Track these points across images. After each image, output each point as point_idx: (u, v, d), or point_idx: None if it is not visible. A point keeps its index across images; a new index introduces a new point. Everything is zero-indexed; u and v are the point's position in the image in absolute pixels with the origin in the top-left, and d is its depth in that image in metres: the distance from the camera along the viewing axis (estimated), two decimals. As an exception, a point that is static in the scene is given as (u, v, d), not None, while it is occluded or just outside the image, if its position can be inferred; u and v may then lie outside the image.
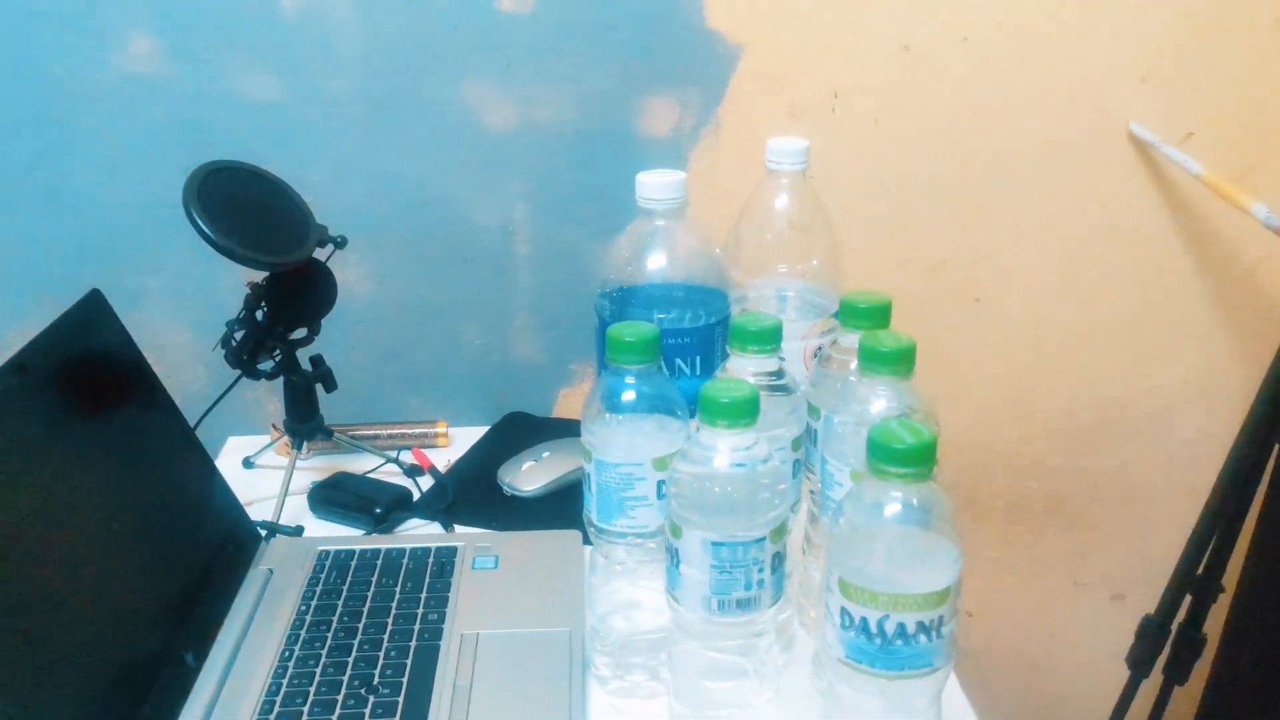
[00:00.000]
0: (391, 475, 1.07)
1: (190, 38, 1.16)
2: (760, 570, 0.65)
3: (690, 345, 0.79)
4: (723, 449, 0.64)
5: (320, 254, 1.00)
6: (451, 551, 0.93)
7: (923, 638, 0.59)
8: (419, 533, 1.01)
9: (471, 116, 1.22)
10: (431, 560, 0.92)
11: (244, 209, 0.91)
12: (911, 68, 1.25)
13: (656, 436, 0.73)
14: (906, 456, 0.58)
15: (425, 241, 1.27)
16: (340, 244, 0.98)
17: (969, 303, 1.35)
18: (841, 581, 0.60)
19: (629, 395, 0.73)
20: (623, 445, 0.73)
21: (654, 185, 0.79)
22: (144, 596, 0.78)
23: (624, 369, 0.73)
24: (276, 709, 0.76)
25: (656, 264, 0.80)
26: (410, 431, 1.14)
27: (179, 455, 0.89)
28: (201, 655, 0.80)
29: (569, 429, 1.16)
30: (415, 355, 1.30)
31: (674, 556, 0.66)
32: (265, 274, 0.96)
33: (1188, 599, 1.25)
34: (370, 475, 1.06)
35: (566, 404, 1.34)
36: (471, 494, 1.05)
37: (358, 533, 1.00)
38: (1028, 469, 1.43)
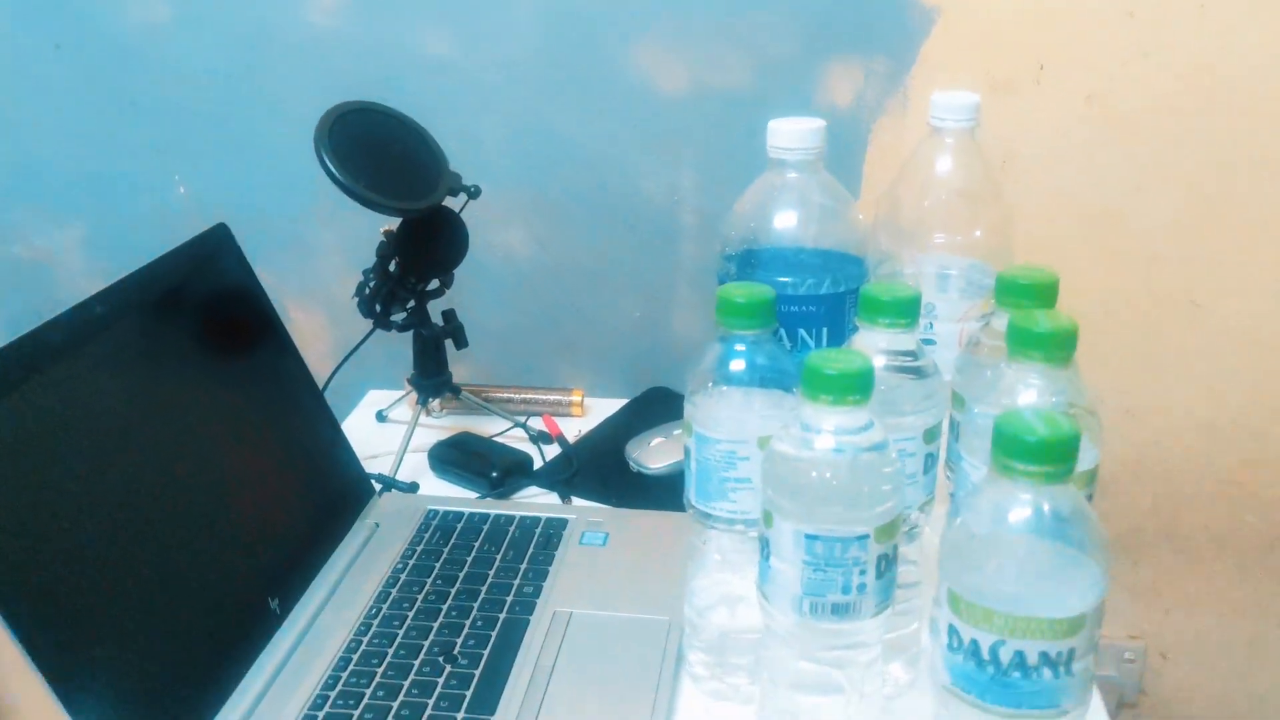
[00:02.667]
0: (518, 441, 1.03)
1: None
2: (862, 573, 0.56)
3: (816, 315, 0.70)
4: (826, 428, 0.56)
5: (455, 204, 0.96)
6: (562, 524, 0.88)
7: (1047, 672, 0.49)
8: (535, 501, 0.96)
9: (644, 80, 1.17)
10: (539, 531, 0.87)
11: (376, 153, 0.88)
12: (1134, 37, 1.10)
13: (767, 413, 0.65)
14: (1039, 451, 0.48)
15: (590, 206, 1.22)
16: (474, 194, 0.94)
17: (1185, 305, 1.19)
18: (951, 595, 0.51)
19: (738, 364, 0.65)
20: (728, 420, 0.65)
21: (787, 133, 0.70)
22: (245, 539, 0.76)
23: (735, 335, 0.65)
24: (351, 667, 0.72)
25: (786, 223, 0.71)
26: (544, 398, 1.10)
27: (297, 400, 0.87)
28: (289, 603, 0.77)
29: (712, 408, 1.09)
30: (569, 321, 1.26)
31: (765, 548, 0.58)
32: (398, 222, 0.93)
33: None
34: (496, 439, 1.02)
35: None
36: (596, 467, 0.99)
37: (473, 495, 0.96)
38: (1245, 500, 1.25)
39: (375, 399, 1.15)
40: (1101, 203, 1.15)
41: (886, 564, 0.57)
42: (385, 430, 1.08)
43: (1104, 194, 1.15)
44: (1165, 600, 1.31)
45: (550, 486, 0.96)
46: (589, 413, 1.11)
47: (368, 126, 0.89)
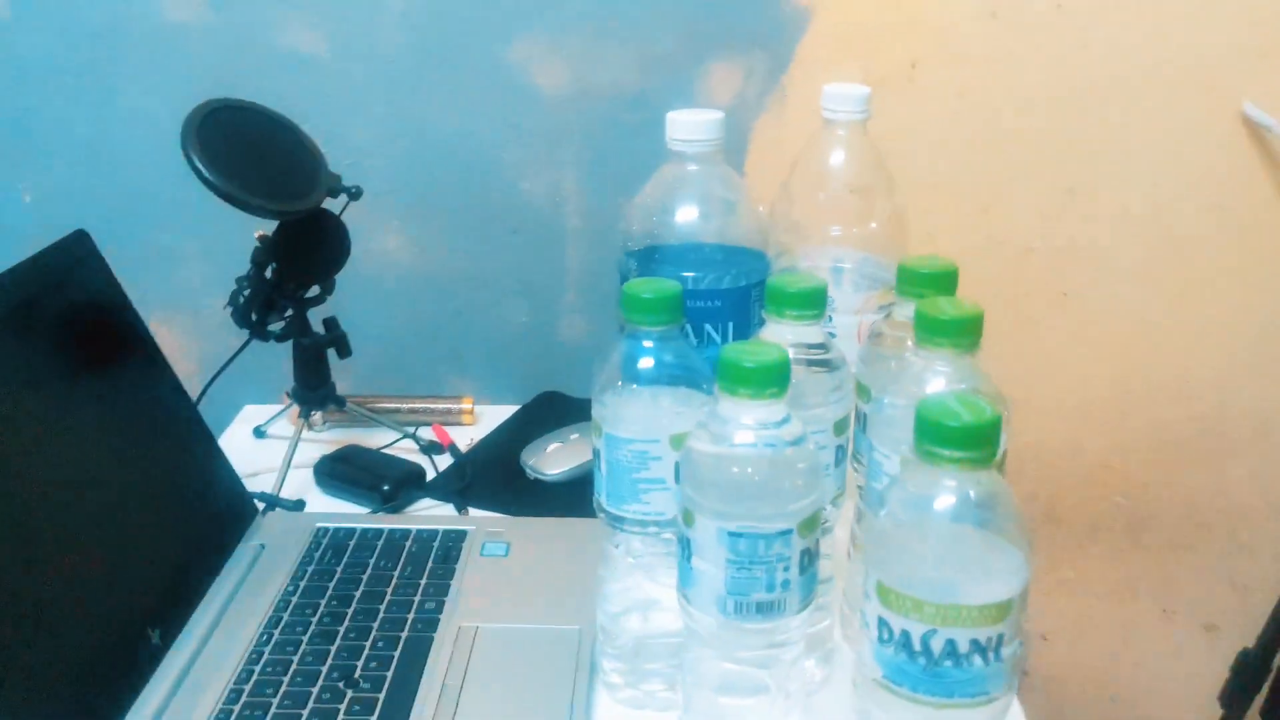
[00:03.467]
0: (408, 452, 0.99)
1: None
2: (786, 569, 0.55)
3: (722, 310, 0.69)
4: (746, 423, 0.54)
5: (334, 206, 0.92)
6: (460, 535, 0.85)
7: (977, 659, 0.49)
8: (430, 514, 0.92)
9: (522, 78, 1.14)
10: (437, 544, 0.83)
11: (248, 152, 0.84)
12: (999, 36, 1.13)
13: (677, 412, 0.64)
14: (962, 437, 0.48)
15: (470, 210, 1.19)
16: (355, 195, 0.90)
17: (1057, 296, 1.23)
18: (880, 586, 0.50)
19: (646, 361, 0.64)
20: (637, 419, 0.64)
21: (686, 124, 0.69)
22: (116, 568, 0.70)
23: (642, 331, 0.63)
24: (243, 699, 0.68)
25: (688, 216, 0.70)
26: (434, 406, 1.06)
27: (170, 417, 0.82)
28: (171, 634, 0.72)
29: (605, 412, 1.07)
30: (453, 328, 1.22)
31: (686, 548, 0.57)
32: (275, 225, 0.89)
33: (1293, 633, 1.11)
34: (384, 450, 0.98)
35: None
36: (491, 476, 0.96)
37: (364, 511, 0.92)
38: (1115, 483, 1.30)
39: (251, 414, 1.10)
40: (975, 197, 1.18)
41: (809, 559, 0.56)
42: (265, 446, 1.03)
43: (976, 189, 1.18)
44: (1045, 584, 1.35)
45: (445, 498, 0.93)
46: (481, 420, 1.08)
47: (238, 124, 0.85)
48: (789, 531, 0.55)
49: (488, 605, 0.77)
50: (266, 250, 0.89)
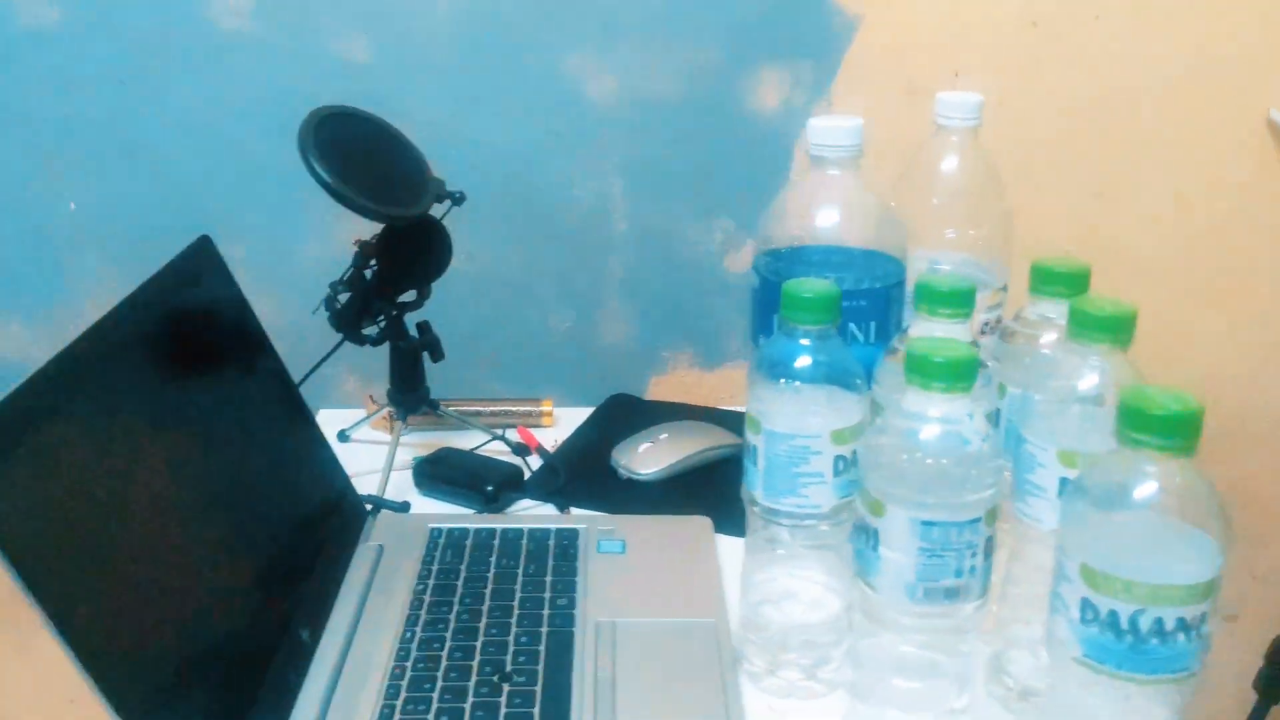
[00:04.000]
0: (497, 453, 1.00)
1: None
2: (973, 555, 0.58)
3: (866, 309, 0.71)
4: (935, 416, 0.57)
5: (436, 211, 0.93)
6: (573, 534, 0.86)
7: (1181, 636, 0.52)
8: (532, 514, 0.93)
9: (572, 86, 1.16)
10: (553, 542, 0.85)
11: (360, 157, 0.85)
12: (1038, 46, 1.17)
13: (832, 407, 0.66)
14: (1169, 425, 0.51)
15: (518, 217, 1.20)
16: (458, 200, 0.91)
17: (1089, 297, 1.27)
18: (1085, 569, 0.53)
19: (805, 360, 0.66)
20: (796, 415, 0.66)
21: (828, 130, 0.71)
22: (253, 568, 0.71)
23: (800, 329, 0.65)
24: (403, 694, 0.69)
25: (828, 220, 0.73)
26: (514, 409, 1.07)
27: (285, 420, 0.83)
28: (317, 632, 0.73)
29: (678, 412, 1.09)
30: (501, 335, 1.23)
31: (871, 538, 0.59)
32: (375, 231, 0.90)
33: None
34: (477, 452, 0.99)
35: (658, 392, 1.27)
36: (584, 476, 0.97)
37: (465, 511, 0.93)
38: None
39: (329, 419, 1.09)
40: (1012, 200, 1.22)
41: (991, 545, 0.59)
42: (349, 450, 1.03)
43: (1014, 191, 1.22)
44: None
45: (544, 498, 0.94)
46: (558, 423, 1.09)
47: (349, 130, 0.86)
48: (978, 520, 0.57)
49: (617, 600, 0.78)
50: (369, 255, 0.90)
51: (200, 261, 0.77)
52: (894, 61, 1.18)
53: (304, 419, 0.84)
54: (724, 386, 1.27)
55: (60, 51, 1.13)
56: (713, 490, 0.94)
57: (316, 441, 0.85)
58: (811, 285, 0.65)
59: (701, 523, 0.87)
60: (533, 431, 1.04)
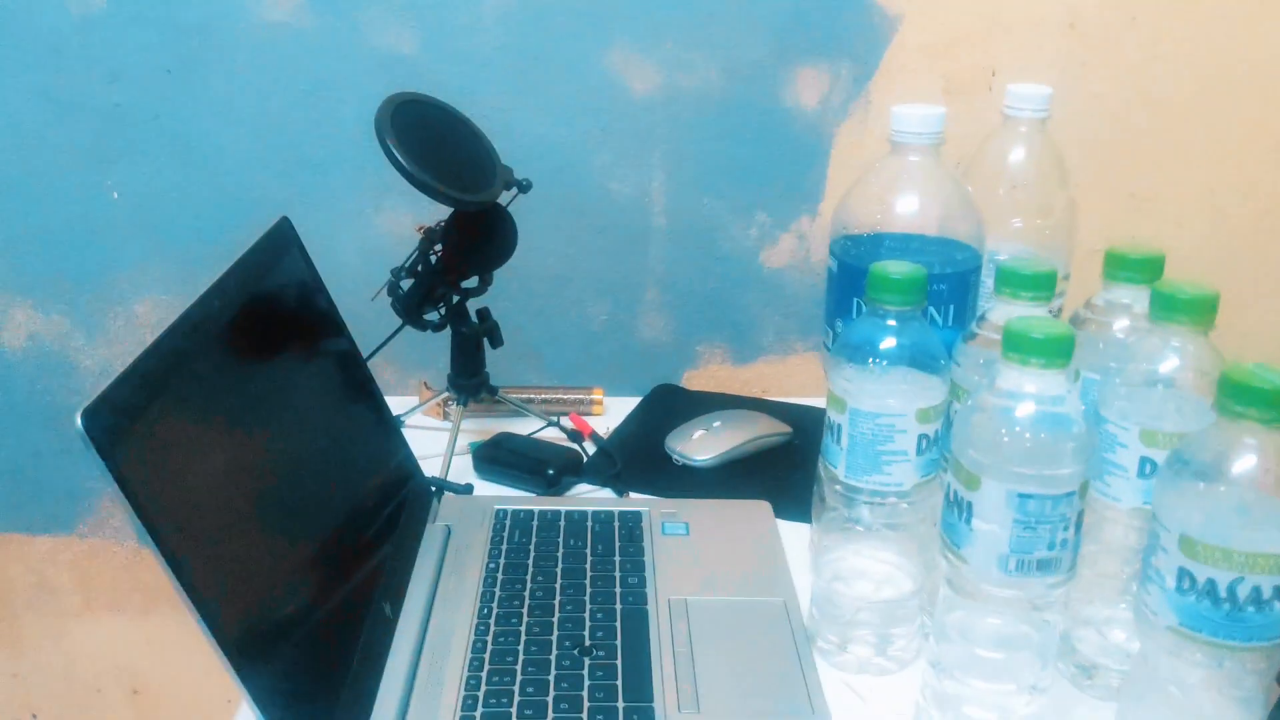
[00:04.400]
0: (554, 439, 1.01)
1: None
2: (1065, 529, 0.59)
3: (945, 293, 0.73)
4: (1032, 391, 0.58)
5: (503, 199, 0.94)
6: (636, 516, 0.87)
7: (1278, 604, 0.53)
8: (591, 497, 0.94)
9: (615, 81, 1.17)
10: (618, 524, 0.86)
11: (435, 143, 0.86)
12: (1077, 47, 1.19)
13: (916, 387, 0.68)
14: (1272, 398, 0.52)
15: (559, 209, 1.21)
16: (525, 187, 0.92)
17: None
18: (1185, 539, 0.54)
19: (890, 340, 0.67)
20: (882, 394, 0.67)
21: (911, 117, 0.73)
22: (339, 542, 0.72)
23: (888, 310, 0.67)
24: (486, 666, 0.70)
25: (908, 206, 0.74)
26: (566, 397, 1.09)
27: (360, 402, 0.84)
28: (396, 607, 0.74)
29: (726, 402, 1.10)
30: (538, 327, 1.24)
31: (964, 510, 0.60)
32: (437, 219, 0.91)
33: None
34: (534, 437, 1.00)
35: (692, 386, 1.28)
36: (638, 462, 0.99)
37: (527, 494, 0.94)
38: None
39: (382, 405, 1.10)
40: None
41: (1080, 520, 0.60)
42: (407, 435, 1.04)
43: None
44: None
45: (602, 483, 0.95)
46: (607, 411, 1.11)
47: (423, 117, 0.87)
48: (1073, 494, 0.59)
49: (687, 580, 0.80)
50: (436, 240, 0.91)
51: (282, 243, 0.78)
52: (932, 62, 1.20)
53: (376, 401, 0.85)
54: (756, 381, 1.28)
55: (107, 40, 1.13)
56: (767, 476, 0.95)
57: (387, 424, 0.86)
58: (899, 267, 0.67)
59: (762, 506, 0.89)
60: (585, 419, 1.05)
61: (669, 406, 1.10)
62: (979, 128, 1.18)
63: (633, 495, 0.94)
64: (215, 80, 1.15)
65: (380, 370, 1.22)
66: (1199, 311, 0.64)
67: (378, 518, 0.79)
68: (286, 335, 0.75)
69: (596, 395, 1.09)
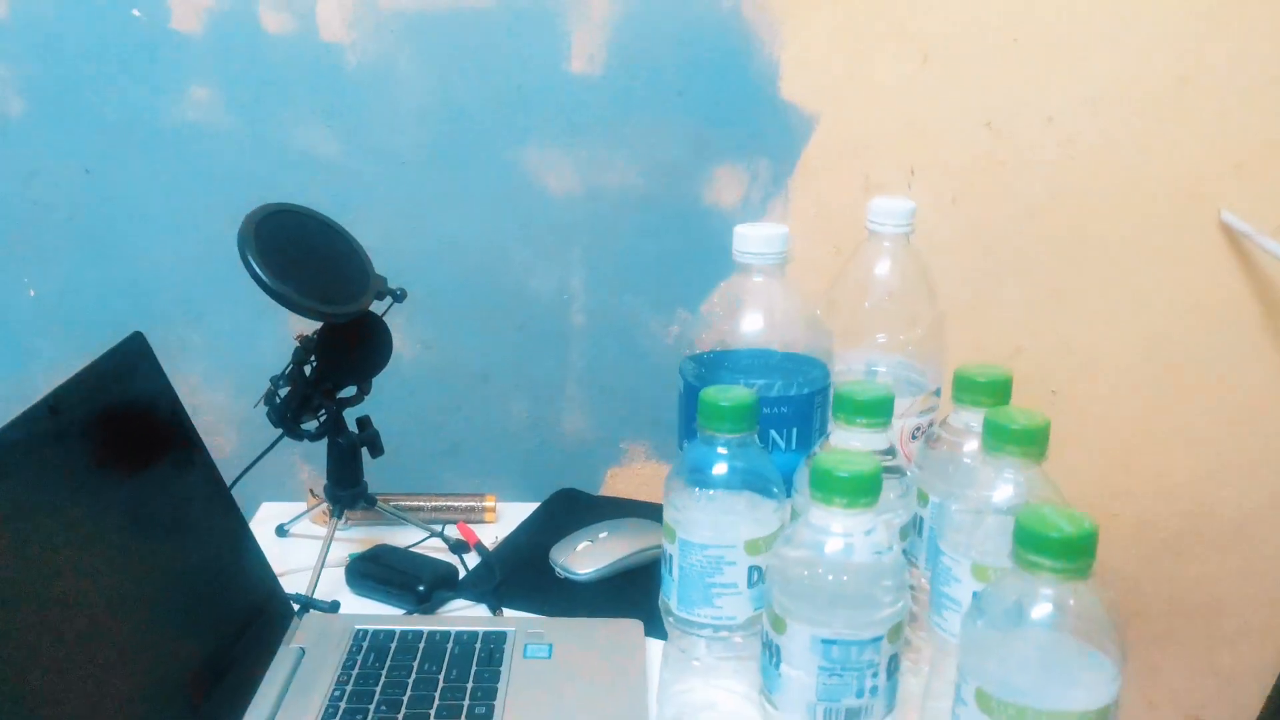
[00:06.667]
0: (436, 551, 0.99)
1: (248, 88, 1.12)
2: (875, 675, 0.57)
3: (787, 416, 0.71)
4: (838, 531, 0.56)
5: (377, 307, 0.93)
6: (501, 637, 0.85)
7: (1078, 764, 0.51)
8: (464, 615, 0.92)
9: (534, 180, 1.18)
10: (479, 646, 0.83)
11: (301, 255, 0.85)
12: (993, 146, 1.19)
13: (748, 516, 0.66)
14: (1064, 548, 0.50)
15: (479, 307, 1.21)
16: (400, 297, 0.92)
17: (1045, 394, 1.27)
18: (980, 693, 0.52)
19: (721, 468, 0.66)
20: (711, 524, 0.65)
21: (753, 238, 0.72)
22: (162, 672, 0.69)
23: (717, 437, 0.65)
24: (306, 809, 0.67)
25: (753, 325, 0.73)
26: (456, 504, 1.07)
27: (213, 518, 0.82)
28: (226, 740, 0.71)
29: (625, 509, 1.08)
30: (458, 425, 1.23)
31: (774, 654, 0.58)
32: (316, 326, 0.90)
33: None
34: (413, 550, 0.98)
35: (614, 484, 1.27)
36: (521, 575, 0.96)
37: (398, 612, 0.91)
38: (1101, 576, 1.33)
39: (271, 512, 1.09)
40: (968, 298, 1.23)
41: (895, 664, 0.58)
42: (287, 545, 1.02)
43: (968, 290, 1.23)
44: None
45: (478, 598, 0.93)
46: (501, 518, 1.08)
47: (291, 228, 0.86)
48: (880, 638, 0.56)
49: (537, 708, 0.77)
50: (309, 350, 0.90)
51: (131, 358, 0.77)
52: (851, 159, 1.20)
53: (233, 517, 0.83)
54: (681, 480, 1.26)
55: (26, 141, 1.14)
56: (650, 591, 0.92)
57: (244, 539, 0.84)
58: (728, 393, 0.65)
59: (633, 626, 0.86)
60: (474, 528, 1.03)
61: (564, 514, 1.08)
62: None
63: (508, 612, 0.91)
64: (131, 180, 1.15)
65: (296, 472, 1.21)
66: (1028, 442, 0.62)
67: (224, 641, 0.77)
68: (125, 451, 0.73)
69: (489, 502, 1.07)
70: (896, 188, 1.21)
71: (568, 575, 0.96)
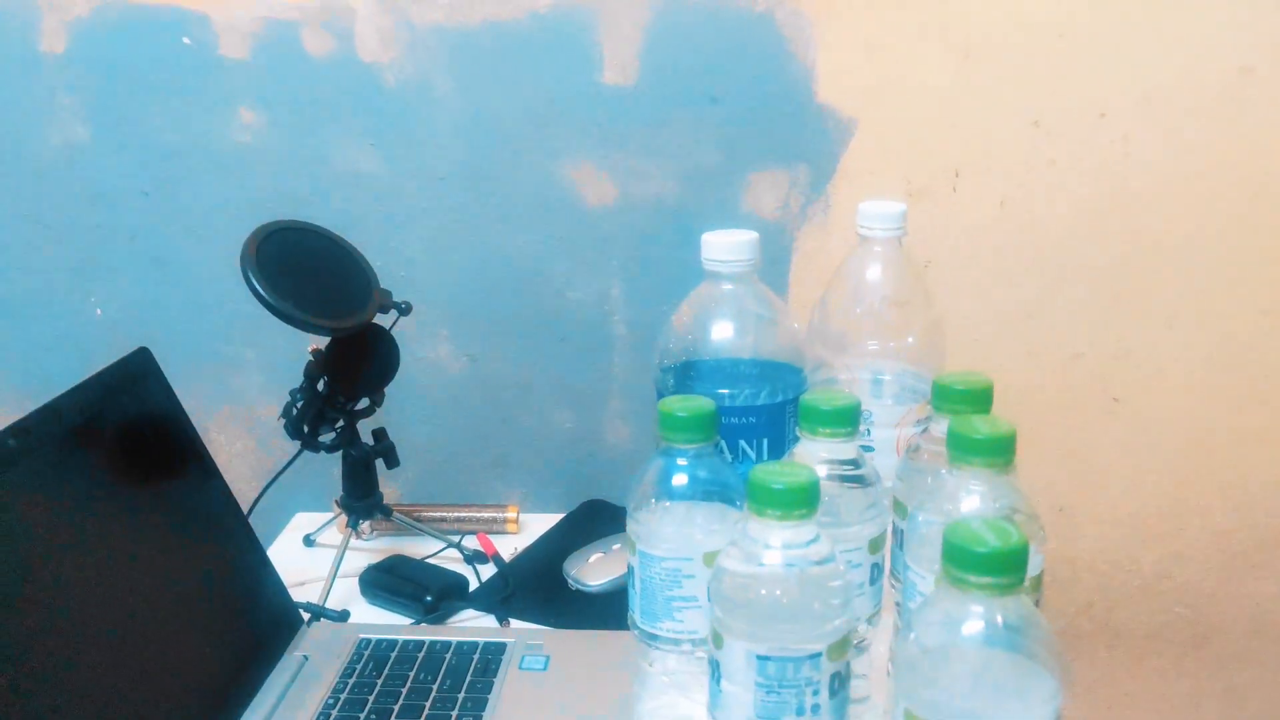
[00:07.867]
0: (452, 562, 1.00)
1: (293, 110, 1.15)
2: (815, 693, 0.55)
3: (756, 425, 0.70)
4: (774, 544, 0.55)
5: (385, 321, 0.95)
6: (500, 648, 0.85)
7: (1009, 792, 0.48)
8: (471, 625, 0.92)
9: (571, 192, 1.18)
10: (477, 657, 0.84)
11: (304, 271, 0.87)
12: (1042, 145, 1.14)
13: (711, 528, 0.64)
14: (989, 563, 0.48)
15: (520, 319, 1.22)
16: (404, 310, 0.93)
17: (1107, 402, 1.21)
18: (908, 715, 0.49)
19: (681, 479, 0.64)
20: (671, 536, 0.64)
21: (720, 245, 0.71)
22: (162, 680, 0.71)
23: (677, 449, 0.64)
24: (280, 815, 0.68)
25: (723, 334, 0.71)
26: (478, 515, 1.07)
27: (220, 530, 0.84)
28: (218, 745, 0.73)
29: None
30: (500, 435, 1.24)
31: (715, 670, 0.57)
32: (327, 340, 0.92)
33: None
34: (429, 560, 0.99)
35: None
36: (534, 586, 0.96)
37: (407, 621, 0.92)
38: (1175, 593, 1.27)
39: (302, 522, 1.12)
40: (1019, 303, 1.18)
41: (840, 682, 0.56)
42: (314, 555, 1.05)
43: (1021, 295, 1.18)
44: (1105, 696, 1.30)
45: (487, 609, 0.93)
46: (525, 529, 1.09)
47: (294, 245, 0.88)
48: (818, 655, 0.54)
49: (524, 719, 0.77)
50: (319, 364, 0.92)
51: (134, 373, 0.80)
52: (892, 163, 1.17)
53: (240, 529, 0.85)
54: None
55: (90, 165, 1.20)
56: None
57: (251, 550, 0.86)
58: (686, 403, 0.64)
59: (630, 639, 0.85)
60: (495, 538, 1.03)
61: (588, 526, 1.08)
62: (942, 230, 1.15)
63: (516, 624, 0.92)
64: (187, 201, 1.20)
65: (319, 485, 1.23)
66: (992, 452, 0.59)
67: (228, 651, 0.79)
68: (128, 464, 0.76)
69: (511, 513, 1.08)
70: (941, 191, 1.18)
71: (579, 587, 0.95)
